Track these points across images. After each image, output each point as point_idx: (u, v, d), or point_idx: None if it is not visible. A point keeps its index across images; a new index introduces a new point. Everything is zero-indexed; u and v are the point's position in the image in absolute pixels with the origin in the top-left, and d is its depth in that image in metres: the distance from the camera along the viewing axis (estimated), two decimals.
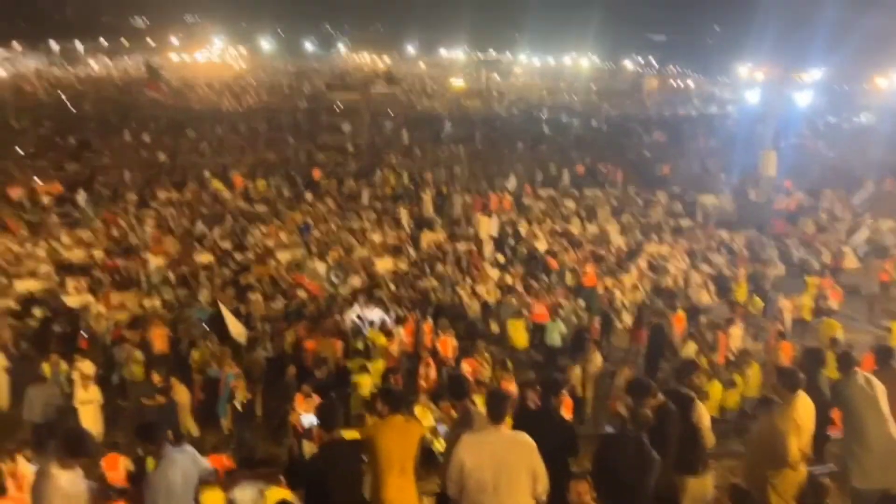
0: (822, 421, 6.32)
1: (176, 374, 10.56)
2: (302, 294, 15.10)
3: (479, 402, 5.92)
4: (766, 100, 39.46)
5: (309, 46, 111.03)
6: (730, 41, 62.08)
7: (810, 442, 5.44)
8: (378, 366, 11.26)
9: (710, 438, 5.65)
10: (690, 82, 70.27)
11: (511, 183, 26.27)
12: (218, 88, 58.46)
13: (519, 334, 13.44)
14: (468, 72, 77.86)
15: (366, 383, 10.65)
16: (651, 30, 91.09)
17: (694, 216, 23.02)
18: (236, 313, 13.23)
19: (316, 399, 8.69)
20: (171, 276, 16.05)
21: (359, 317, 13.63)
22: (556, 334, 13.30)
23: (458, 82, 62.83)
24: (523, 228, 20.73)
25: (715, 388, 10.49)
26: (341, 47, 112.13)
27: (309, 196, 24.58)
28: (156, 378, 9.73)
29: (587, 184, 26.87)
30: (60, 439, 4.27)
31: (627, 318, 14.41)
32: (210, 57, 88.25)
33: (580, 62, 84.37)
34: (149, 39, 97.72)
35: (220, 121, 39.00)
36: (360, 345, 12.27)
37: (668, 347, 12.92)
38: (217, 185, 25.07)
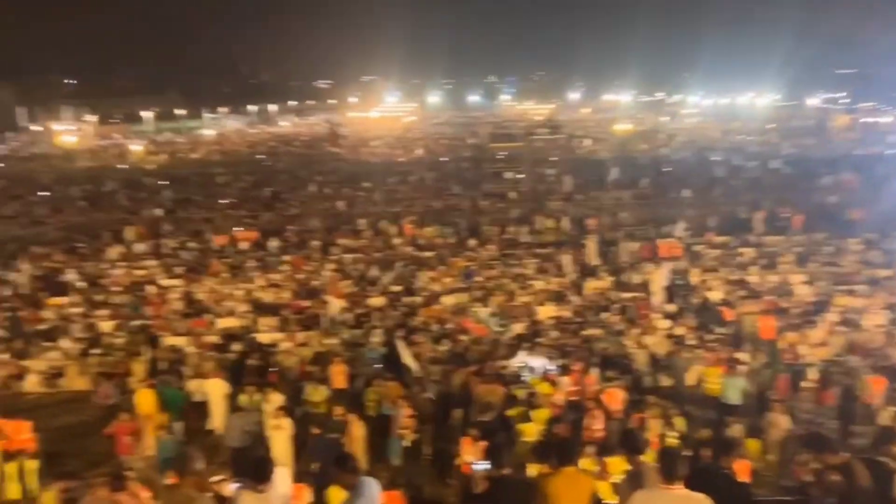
0: None
1: (352, 409, 11.31)
2: (465, 338, 15.53)
3: (648, 459, 5.77)
4: None
5: (474, 98, 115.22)
6: None
7: None
8: (542, 415, 11.23)
9: None
10: (886, 119, 63.44)
11: (679, 229, 25.26)
12: (390, 141, 62.42)
13: (714, 381, 12.64)
14: (634, 115, 76.42)
15: (530, 431, 10.67)
16: (840, 64, 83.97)
17: (893, 266, 20.62)
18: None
19: (482, 444, 8.86)
20: (349, 317, 17.21)
21: (522, 363, 13.74)
22: (734, 391, 12.46)
23: (623, 126, 61.83)
24: (694, 277, 19.81)
25: None
26: (505, 97, 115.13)
27: (472, 242, 25.34)
28: (337, 412, 10.45)
29: (766, 230, 25.09)
30: (251, 465, 4.74)
31: (813, 377, 13.17)
32: (383, 112, 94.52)
33: (757, 101, 79.55)
34: (331, 99, 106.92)
35: (391, 172, 41.56)
36: (522, 392, 12.34)
37: (862, 412, 11.61)
38: (388, 230, 26.72)
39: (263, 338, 16.12)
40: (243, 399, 11.82)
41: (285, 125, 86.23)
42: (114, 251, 24.81)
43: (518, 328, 16.40)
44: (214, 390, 12.27)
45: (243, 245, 25.30)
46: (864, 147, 47.49)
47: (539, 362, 13.65)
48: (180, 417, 12.30)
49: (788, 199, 28.49)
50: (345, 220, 29.71)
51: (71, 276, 21.75)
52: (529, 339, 15.38)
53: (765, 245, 23.48)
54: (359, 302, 18.61)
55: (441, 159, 47.99)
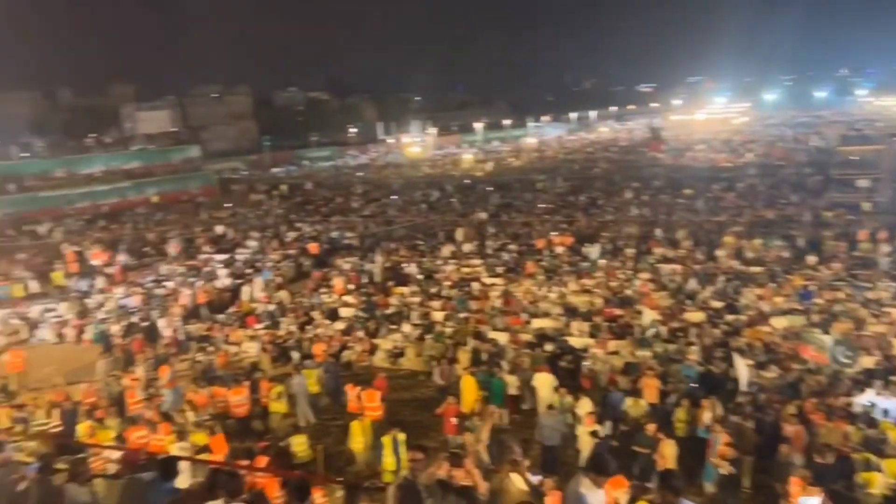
0: None
1: (661, 427, 10.96)
2: (799, 366, 13.86)
3: None
4: None
5: (820, 95, 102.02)
6: None
7: None
8: (893, 466, 9.51)
9: None
10: None
11: None
12: (716, 145, 58.55)
13: None
14: None
15: (876, 482, 9.12)
16: None
17: None
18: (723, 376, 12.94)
19: (816, 489, 7.85)
20: (663, 330, 16.63)
21: (870, 403, 11.79)
22: None
23: None
24: None
25: None
26: (861, 92, 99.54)
27: (812, 259, 22.46)
28: (650, 428, 10.21)
29: None
30: (591, 462, 4.87)
31: None
32: (710, 114, 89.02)
33: None
34: (653, 103, 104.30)
35: (716, 178, 38.91)
36: (869, 435, 10.58)
37: None
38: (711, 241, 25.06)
39: (575, 341, 16.45)
40: (555, 399, 12.24)
41: (604, 131, 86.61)
42: (446, 249, 27.65)
43: (868, 362, 14.09)
44: (543, 384, 12.91)
45: (559, 249, 26.08)
46: None
47: (892, 403, 11.60)
48: (501, 406, 13.25)
49: None
50: (662, 228, 28.71)
51: (412, 269, 24.87)
52: (882, 376, 13.11)
53: None
54: (674, 315, 17.85)
55: (776, 164, 43.44)
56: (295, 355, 16.95)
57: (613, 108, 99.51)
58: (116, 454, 9.54)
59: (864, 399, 11.87)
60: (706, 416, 10.90)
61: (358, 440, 11.50)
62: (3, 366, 17.11)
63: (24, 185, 42.95)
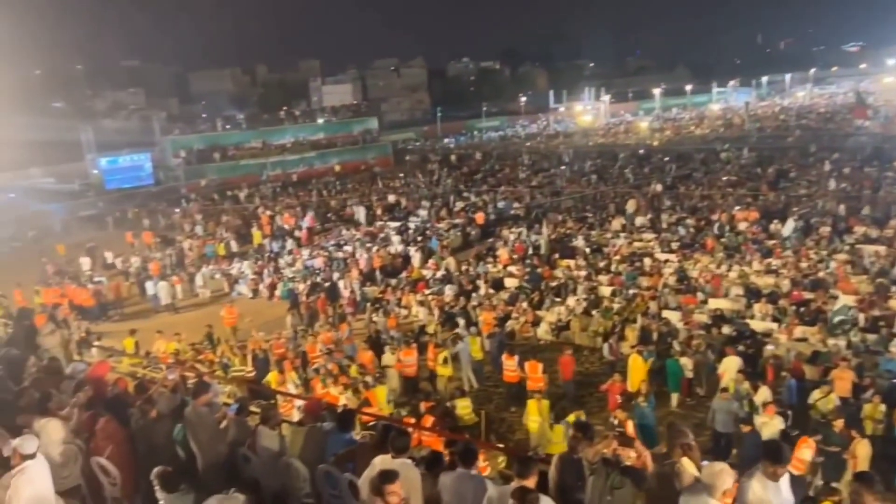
0: None
1: (851, 424, 9.92)
2: None
3: None
4: None
5: None
6: None
7: None
8: None
9: None
10: None
11: None
12: None
13: None
14: None
15: None
16: None
17: None
18: None
19: None
20: (861, 318, 14.92)
21: None
22: None
23: None
24: None
25: None
26: None
27: None
28: (837, 424, 9.28)
29: None
30: (766, 450, 4.48)
31: None
32: None
33: None
34: (862, 64, 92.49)
35: None
36: None
37: None
38: None
39: (757, 325, 15.28)
40: (731, 384, 11.50)
41: (800, 95, 78.31)
42: (616, 222, 26.70)
43: None
44: (729, 367, 12.29)
45: (742, 225, 24.17)
46: None
47: None
48: (676, 388, 12.76)
49: None
50: (869, 204, 25.52)
51: (579, 241, 24.37)
52: None
53: None
54: (876, 303, 15.90)
55: None
56: (461, 321, 17.42)
57: (813, 71, 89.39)
58: (300, 403, 10.45)
59: None
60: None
61: (534, 418, 11.51)
62: (219, 318, 19.29)
63: (227, 155, 47.92)
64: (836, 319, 14.95)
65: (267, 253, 27.46)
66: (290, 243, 28.63)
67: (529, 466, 4.55)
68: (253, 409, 7.24)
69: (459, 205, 32.78)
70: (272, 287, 23.22)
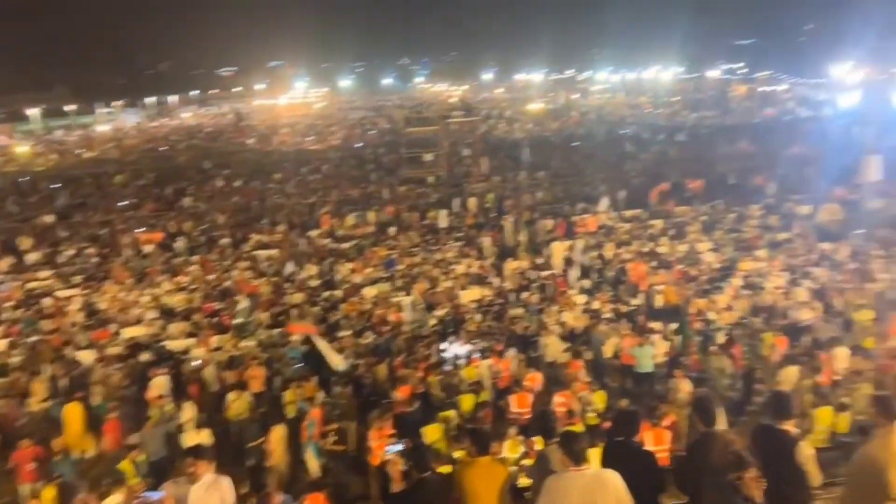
0: None
1: (272, 412, 10.97)
2: (388, 328, 15.28)
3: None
4: (867, 101, 36.93)
5: (387, 82, 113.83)
6: (825, 41, 58.08)
7: None
8: (467, 400, 11.17)
9: (816, 477, 5.24)
10: (782, 87, 66.71)
11: (604, 204, 25.56)
12: (301, 129, 60.77)
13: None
14: (547, 94, 77.56)
15: (454, 418, 10.58)
16: (738, 35, 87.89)
17: (791, 228, 21.77)
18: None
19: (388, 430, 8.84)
20: (264, 316, 16.59)
21: (446, 350, 13.67)
22: (647, 360, 12.82)
23: (536, 105, 62.66)
24: (609, 251, 20.27)
25: (824, 414, 9.78)
26: (419, 79, 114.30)
27: (392, 230, 25.00)
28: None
29: (674, 201, 25.91)
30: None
31: (721, 340, 13.69)
32: (293, 99, 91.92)
33: (662, 75, 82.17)
34: (236, 87, 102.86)
35: (304, 161, 40.44)
36: (448, 378, 12.25)
37: (766, 371, 12.25)
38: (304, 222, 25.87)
39: (174, 344, 15.32)
40: (156, 412, 11.13)
41: (187, 117, 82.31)
42: (3, 263, 22.96)
43: (441, 314, 16.29)
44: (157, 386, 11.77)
45: (147, 248, 23.92)
46: (762, 115, 50.07)
47: (463, 348, 13.63)
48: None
49: (695, 170, 29.50)
50: (256, 214, 28.65)
51: None
52: (453, 325, 15.33)
53: (674, 216, 24.27)
54: (276, 300, 17.99)
55: (356, 145, 47.15)
56: None
57: (195, 93, 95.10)
58: None
59: (441, 347, 13.71)
60: (305, 395, 11.27)
61: None
62: None
63: None
64: (239, 322, 16.32)
65: None
66: None
67: None
68: None
69: None
70: None
